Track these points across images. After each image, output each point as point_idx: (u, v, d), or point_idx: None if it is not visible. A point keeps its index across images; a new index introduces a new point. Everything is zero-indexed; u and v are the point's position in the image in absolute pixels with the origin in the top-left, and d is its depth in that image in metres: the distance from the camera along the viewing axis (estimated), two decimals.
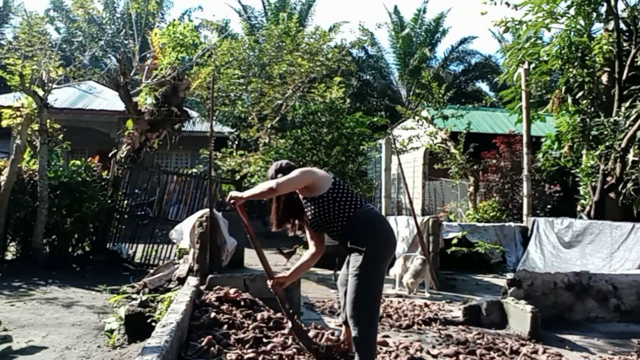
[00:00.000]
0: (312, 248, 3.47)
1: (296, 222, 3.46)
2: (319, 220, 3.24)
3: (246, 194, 3.24)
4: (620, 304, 5.14)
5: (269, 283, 3.40)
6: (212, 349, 3.11)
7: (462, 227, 8.67)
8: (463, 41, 26.23)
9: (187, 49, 10.27)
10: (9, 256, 8.47)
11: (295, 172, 3.22)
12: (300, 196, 3.33)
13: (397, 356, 3.75)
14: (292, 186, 3.21)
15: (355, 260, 3.09)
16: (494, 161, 11.41)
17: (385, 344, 4.00)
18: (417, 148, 12.79)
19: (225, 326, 3.57)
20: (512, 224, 9.36)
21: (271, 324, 3.76)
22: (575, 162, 9.95)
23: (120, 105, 11.47)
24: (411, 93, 24.06)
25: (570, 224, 7.98)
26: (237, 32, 23.60)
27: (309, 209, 3.27)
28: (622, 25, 8.95)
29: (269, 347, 3.37)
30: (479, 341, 4.25)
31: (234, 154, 11.80)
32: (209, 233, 5.80)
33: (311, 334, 3.76)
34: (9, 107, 9.06)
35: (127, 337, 4.37)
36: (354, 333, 3.04)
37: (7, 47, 8.68)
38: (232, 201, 3.24)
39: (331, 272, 7.88)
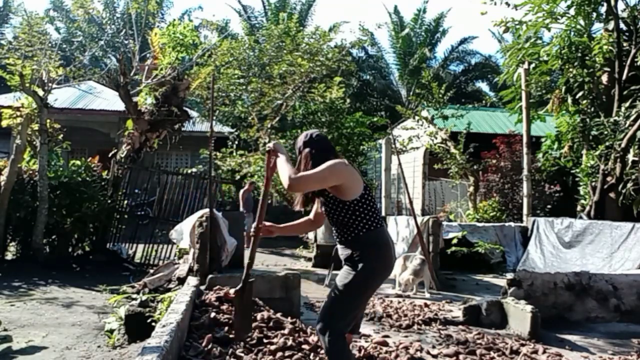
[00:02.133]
0: (312, 216, 3.20)
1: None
2: (331, 217, 2.99)
3: (279, 162, 2.84)
4: (620, 304, 5.14)
5: (255, 225, 3.02)
6: (214, 350, 3.11)
7: (462, 227, 8.67)
8: (463, 41, 26.26)
9: (187, 49, 10.27)
10: (9, 256, 8.48)
11: (322, 169, 2.77)
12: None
13: (397, 356, 3.75)
14: (314, 186, 2.83)
15: (347, 273, 2.87)
16: (494, 161, 11.42)
17: (385, 344, 4.00)
18: (417, 148, 12.79)
19: (226, 326, 3.57)
20: (512, 224, 9.36)
21: (271, 324, 3.76)
22: (575, 162, 9.96)
23: (120, 105, 11.48)
24: (411, 93, 24.07)
25: (570, 224, 7.98)
26: (237, 32, 23.63)
27: (327, 203, 2.93)
28: (622, 25, 8.96)
29: (271, 347, 3.36)
30: (479, 341, 4.25)
31: (234, 154, 11.81)
32: (209, 233, 5.80)
33: (315, 337, 3.75)
34: (9, 107, 9.07)
35: (127, 337, 4.37)
36: (325, 347, 2.83)
37: (7, 47, 8.68)
38: (268, 148, 2.93)
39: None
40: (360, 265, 2.83)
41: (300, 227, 3.30)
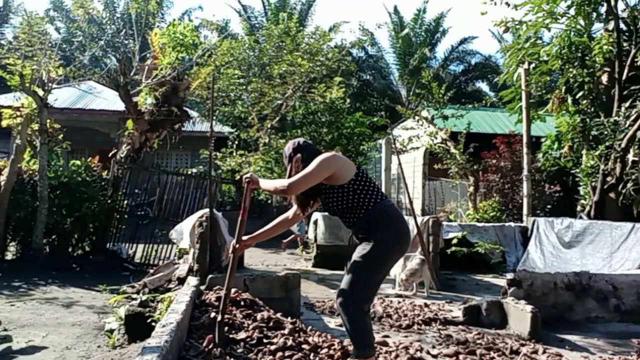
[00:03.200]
0: (290, 213, 3.27)
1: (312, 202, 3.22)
2: (335, 209, 3.07)
3: (262, 183, 3.12)
4: (620, 304, 5.13)
5: (233, 244, 3.23)
6: (215, 350, 3.10)
7: (462, 227, 8.67)
8: (463, 41, 26.26)
9: (187, 49, 10.27)
10: (9, 256, 8.48)
11: (312, 166, 2.93)
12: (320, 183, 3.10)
13: (397, 356, 3.74)
14: (309, 183, 2.94)
15: (363, 248, 2.93)
16: (494, 161, 11.42)
17: (385, 344, 3.99)
18: (417, 148, 12.80)
19: (226, 326, 3.56)
20: (512, 224, 9.36)
21: (271, 324, 3.76)
22: (575, 162, 9.96)
23: (120, 105, 11.47)
24: (411, 93, 24.08)
25: (570, 224, 7.98)
26: (237, 32, 23.63)
27: (326, 196, 3.06)
28: (622, 25, 8.96)
29: (271, 347, 3.36)
30: (479, 341, 4.25)
31: (234, 154, 11.80)
32: (209, 233, 5.81)
33: (315, 338, 3.75)
34: (9, 107, 9.07)
35: (127, 337, 4.37)
36: (345, 321, 2.89)
37: (7, 47, 8.68)
38: (247, 179, 3.14)
39: (331, 272, 7.88)
40: (376, 235, 2.91)
41: (278, 227, 3.35)
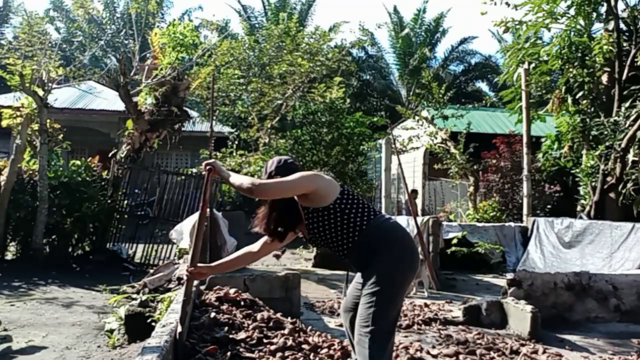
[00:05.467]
0: (256, 247, 2.89)
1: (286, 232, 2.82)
2: (323, 237, 2.67)
3: (224, 173, 2.69)
4: (620, 304, 5.14)
5: (187, 269, 2.82)
6: (216, 351, 3.10)
7: (462, 227, 8.67)
8: (463, 41, 26.26)
9: (187, 49, 10.27)
10: (9, 256, 8.48)
11: (291, 177, 2.62)
12: (300, 205, 2.70)
13: (397, 356, 3.75)
14: (280, 192, 2.63)
15: (369, 281, 2.55)
16: (494, 161, 11.42)
17: None
18: (417, 148, 12.79)
19: (226, 326, 3.56)
20: (512, 224, 9.36)
21: (271, 324, 3.76)
22: (575, 162, 9.96)
23: (120, 105, 11.48)
24: (411, 93, 24.08)
25: (570, 224, 7.98)
26: (237, 32, 23.61)
27: (311, 222, 2.67)
28: (622, 25, 8.96)
29: (271, 347, 3.35)
30: (479, 341, 4.25)
31: (234, 154, 11.79)
32: (209, 233, 5.81)
33: (315, 338, 3.75)
34: (9, 107, 9.08)
35: (127, 337, 4.37)
36: (365, 354, 2.50)
37: (7, 47, 8.69)
38: (208, 167, 2.71)
39: (331, 272, 7.88)
40: (379, 258, 2.56)
41: (240, 260, 2.97)
